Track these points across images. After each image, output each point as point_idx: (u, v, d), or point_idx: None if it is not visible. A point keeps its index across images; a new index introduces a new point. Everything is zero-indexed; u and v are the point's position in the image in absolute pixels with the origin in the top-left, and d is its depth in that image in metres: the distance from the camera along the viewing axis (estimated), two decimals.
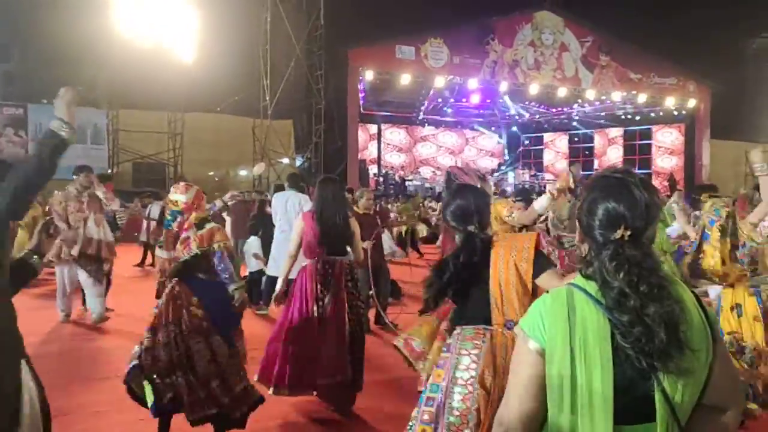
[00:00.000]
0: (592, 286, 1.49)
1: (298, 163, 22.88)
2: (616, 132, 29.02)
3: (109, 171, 19.98)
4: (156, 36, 15.13)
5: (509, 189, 21.79)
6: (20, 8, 20.30)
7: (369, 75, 21.10)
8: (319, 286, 4.46)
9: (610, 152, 29.34)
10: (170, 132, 20.77)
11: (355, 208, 7.11)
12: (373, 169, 26.81)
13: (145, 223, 12.03)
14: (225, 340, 3.76)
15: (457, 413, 2.50)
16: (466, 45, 21.59)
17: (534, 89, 22.87)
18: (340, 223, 4.50)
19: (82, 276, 7.09)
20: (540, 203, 4.34)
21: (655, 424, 1.42)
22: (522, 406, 1.48)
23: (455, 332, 2.71)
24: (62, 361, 5.71)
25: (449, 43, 21.32)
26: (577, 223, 1.60)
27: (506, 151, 31.42)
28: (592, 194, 1.55)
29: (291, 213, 7.22)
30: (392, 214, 8.14)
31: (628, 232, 1.46)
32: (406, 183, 24.50)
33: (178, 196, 3.86)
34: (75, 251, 6.88)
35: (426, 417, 2.61)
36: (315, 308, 4.43)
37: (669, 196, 9.77)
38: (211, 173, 22.63)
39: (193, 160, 20.90)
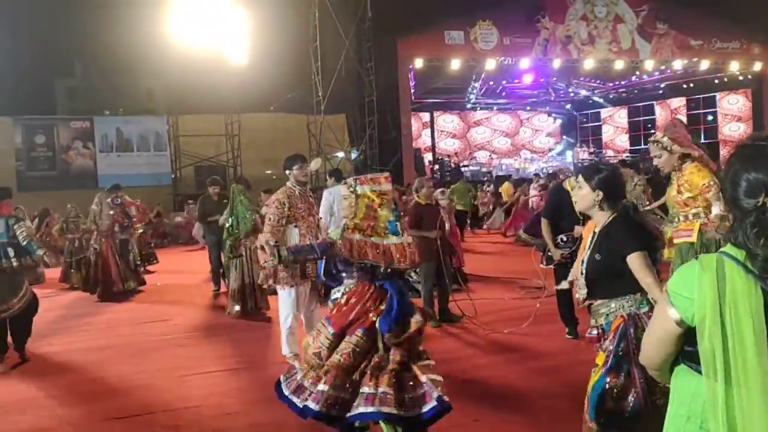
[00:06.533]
0: (742, 254, 1.47)
1: (353, 155, 23.00)
2: (679, 102, 27.94)
3: (172, 176, 20.61)
4: (209, 41, 15.53)
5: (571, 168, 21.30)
6: (80, 25, 21.08)
7: (419, 63, 20.96)
8: None
9: None
10: (228, 134, 21.23)
11: (416, 198, 7.08)
12: (428, 157, 26.69)
13: None
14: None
15: None
16: (515, 25, 21.18)
17: (589, 64, 22.23)
18: None
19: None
20: None
21: None
22: (655, 358, 1.69)
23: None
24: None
25: (498, 25, 20.95)
26: (721, 194, 1.60)
27: (562, 130, 30.74)
28: (734, 164, 1.54)
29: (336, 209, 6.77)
30: (441, 201, 8.04)
31: None
32: (462, 169, 24.29)
33: (384, 186, 3.66)
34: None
35: None
36: None
37: None
38: (269, 172, 23.01)
39: (252, 160, 21.33)
